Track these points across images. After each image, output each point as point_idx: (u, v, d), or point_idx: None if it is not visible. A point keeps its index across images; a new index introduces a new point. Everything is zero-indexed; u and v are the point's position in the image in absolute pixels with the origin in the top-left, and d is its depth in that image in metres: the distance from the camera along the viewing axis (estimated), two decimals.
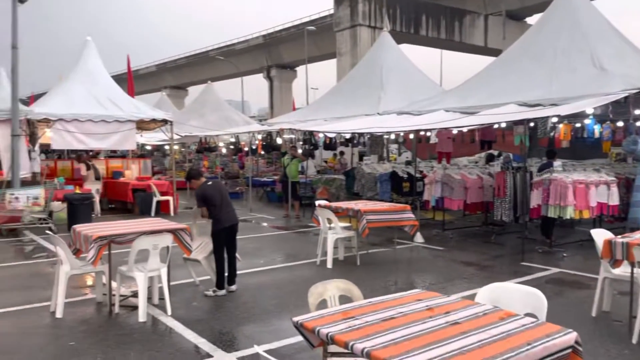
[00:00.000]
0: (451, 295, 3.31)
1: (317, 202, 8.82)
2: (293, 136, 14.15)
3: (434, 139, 11.42)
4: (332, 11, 36.89)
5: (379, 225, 7.94)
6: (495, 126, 9.85)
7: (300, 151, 14.11)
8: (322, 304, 3.34)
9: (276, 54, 49.56)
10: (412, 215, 8.10)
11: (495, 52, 27.53)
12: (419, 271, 7.72)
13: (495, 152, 14.35)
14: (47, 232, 6.72)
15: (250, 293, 6.33)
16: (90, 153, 18.12)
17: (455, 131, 10.87)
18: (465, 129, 10.36)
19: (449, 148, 12.26)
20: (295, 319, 2.77)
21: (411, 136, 11.35)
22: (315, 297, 3.37)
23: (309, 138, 14.54)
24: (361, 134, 13.97)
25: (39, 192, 10.74)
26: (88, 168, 14.06)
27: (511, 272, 7.31)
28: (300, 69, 52.36)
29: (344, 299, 3.45)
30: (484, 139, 12.03)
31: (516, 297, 3.27)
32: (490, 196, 9.87)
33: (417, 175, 11.33)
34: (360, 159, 16.72)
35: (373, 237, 9.10)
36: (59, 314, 5.34)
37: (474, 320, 2.75)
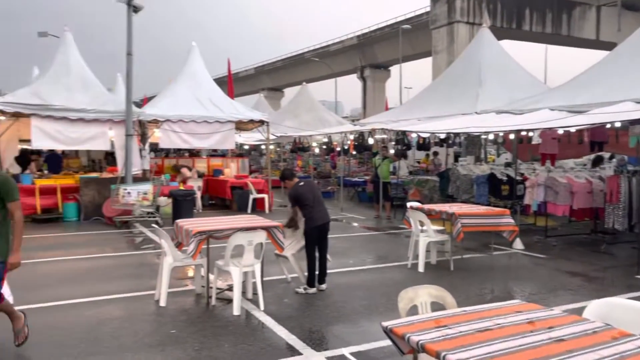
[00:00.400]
0: (554, 308, 3.06)
1: (408, 204, 8.64)
2: (385, 136, 14.00)
3: (536, 140, 10.72)
4: (428, 9, 36.06)
5: (474, 229, 7.61)
6: (608, 126, 9.03)
7: (392, 151, 13.94)
8: (413, 310, 3.24)
9: (370, 54, 49.47)
10: (511, 220, 7.67)
11: (609, 46, 25.38)
12: (518, 280, 7.28)
13: (607, 155, 13.16)
14: (154, 225, 7.22)
15: (340, 293, 6.35)
16: (193, 152, 19.28)
17: (561, 131, 10.12)
18: (573, 129, 9.61)
19: (554, 149, 11.42)
20: (385, 323, 2.71)
21: (511, 136, 10.74)
22: (405, 302, 3.28)
23: (402, 138, 14.31)
24: (457, 134, 13.50)
25: (148, 187, 11.59)
26: (189, 169, 14.95)
27: (624, 286, 6.65)
28: (394, 69, 51.88)
29: (436, 305, 3.33)
30: (595, 140, 11.06)
31: (631, 315, 2.95)
32: (600, 202, 9.08)
33: (518, 177, 10.70)
34: (456, 159, 16.16)
35: (468, 241, 8.74)
36: (162, 303, 5.71)
37: (582, 338, 2.51)
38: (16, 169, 13.53)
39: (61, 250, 9.05)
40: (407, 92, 49.84)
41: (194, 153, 19.92)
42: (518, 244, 9.00)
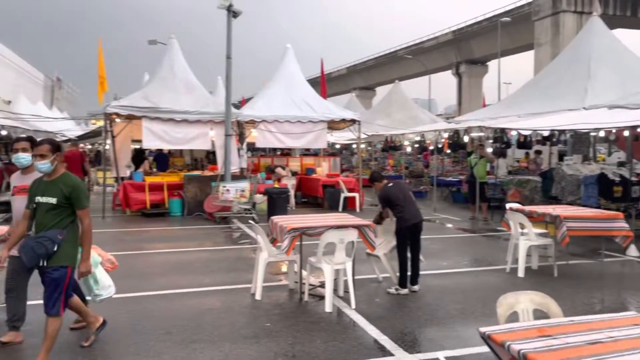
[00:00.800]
0: None
1: (507, 205, 8.21)
2: (482, 134, 13.42)
3: None
4: (529, 0, 34.08)
5: (582, 233, 7.07)
6: None
7: (489, 150, 13.33)
8: (513, 317, 3.07)
9: (466, 49, 47.78)
10: (625, 225, 7.01)
11: None
12: (633, 290, 6.64)
13: None
14: (250, 221, 7.52)
15: (433, 295, 6.19)
16: (287, 151, 19.80)
17: None
18: None
19: None
20: (483, 329, 2.59)
21: (625, 133, 9.83)
22: (505, 308, 3.11)
23: (500, 136, 13.64)
24: (562, 131, 12.60)
25: (245, 185, 12.08)
26: (283, 168, 15.38)
27: None
28: (491, 64, 49.66)
29: (538, 313, 3.12)
30: None
31: None
32: None
33: (632, 178, 9.77)
34: (560, 158, 15.11)
35: (574, 246, 8.12)
36: (257, 296, 5.92)
37: None
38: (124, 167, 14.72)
39: (167, 242, 9.71)
40: (505, 88, 47.44)
41: (287, 152, 20.46)
42: (633, 251, 8.21)
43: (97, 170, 18.99)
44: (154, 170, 15.45)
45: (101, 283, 4.79)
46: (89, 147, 27.81)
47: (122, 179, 13.75)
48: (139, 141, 13.77)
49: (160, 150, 16.84)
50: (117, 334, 4.78)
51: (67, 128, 23.27)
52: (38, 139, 4.41)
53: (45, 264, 3.96)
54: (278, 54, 16.19)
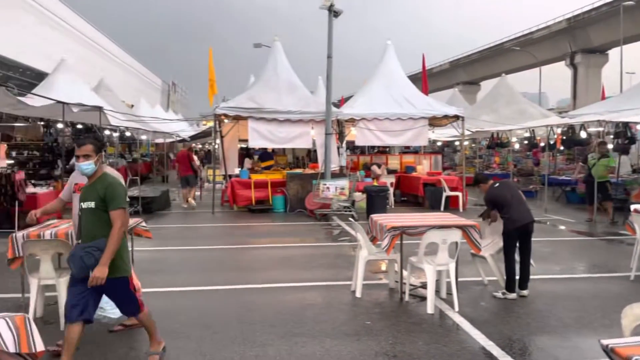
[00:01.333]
0: None
1: (632, 207, 7.45)
2: (601, 129, 12.31)
3: None
4: None
5: None
6: None
7: (610, 146, 12.19)
8: (639, 329, 2.77)
9: (582, 38, 44.13)
10: None
11: None
12: None
13: None
14: (350, 219, 7.56)
15: (544, 301, 5.79)
16: (386, 149, 19.65)
17: None
18: None
19: None
20: (605, 341, 2.36)
21: None
22: (630, 319, 2.82)
23: (623, 131, 12.43)
24: None
25: (344, 183, 12.18)
26: (379, 166, 15.28)
27: None
28: (612, 52, 45.38)
29: None
30: None
31: None
32: None
33: None
34: None
35: None
36: (358, 294, 5.94)
37: None
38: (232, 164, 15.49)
39: (271, 237, 10.08)
40: (629, 78, 43.13)
41: (386, 150, 20.30)
42: None
43: (207, 168, 20.21)
44: (260, 168, 16.12)
45: (111, 303, 4.32)
46: (200, 146, 29.73)
47: (230, 176, 14.52)
48: (246, 140, 14.45)
49: (264, 148, 17.53)
50: (225, 324, 5.05)
51: (181, 129, 25.06)
52: (81, 138, 4.13)
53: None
54: (377, 53, 16.09)
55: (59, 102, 9.75)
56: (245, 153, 16.40)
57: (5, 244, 5.22)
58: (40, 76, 18.00)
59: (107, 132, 17.81)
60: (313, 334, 4.79)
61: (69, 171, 15.00)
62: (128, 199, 4.06)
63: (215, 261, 8.08)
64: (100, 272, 3.61)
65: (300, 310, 5.49)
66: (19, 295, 5.61)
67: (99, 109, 11.69)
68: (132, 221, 5.75)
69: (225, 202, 14.40)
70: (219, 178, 16.16)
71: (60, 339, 4.58)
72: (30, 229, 5.28)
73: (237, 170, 14.84)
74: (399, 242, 5.82)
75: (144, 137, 23.02)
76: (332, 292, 6.17)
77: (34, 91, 11.92)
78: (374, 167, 15.14)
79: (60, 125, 13.86)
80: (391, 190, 14.30)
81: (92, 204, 3.77)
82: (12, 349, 2.21)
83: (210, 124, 19.64)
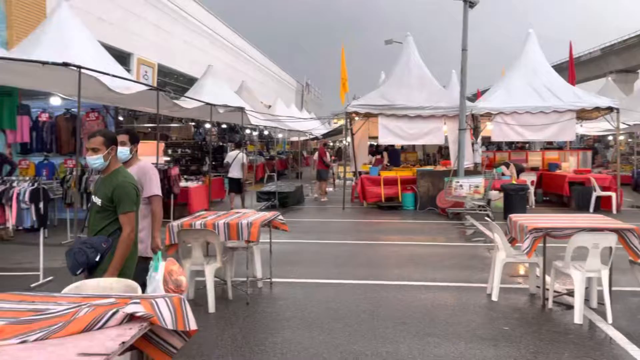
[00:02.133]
0: None
1: None
2: None
3: None
4: None
5: None
6: None
7: None
8: None
9: None
10: None
11: None
12: None
13: None
14: (487, 218, 7.19)
15: None
16: (525, 145, 18.35)
17: None
18: None
19: None
20: None
21: None
22: None
23: None
24: None
25: (479, 181, 11.64)
26: (507, 166, 14.30)
27: None
28: None
29: None
30: None
31: None
32: None
33: None
34: None
35: None
36: (494, 297, 5.63)
37: None
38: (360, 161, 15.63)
39: (400, 235, 10.00)
40: None
41: (526, 146, 18.98)
42: None
43: (339, 165, 20.68)
44: (388, 165, 16.08)
45: None
46: (331, 144, 30.52)
47: (360, 173, 14.70)
48: (376, 137, 14.51)
49: (393, 145, 17.44)
50: (357, 317, 5.12)
51: (314, 127, 25.94)
52: (93, 131, 3.94)
53: (86, 275, 3.43)
54: (517, 40, 15.08)
55: (207, 104, 10.67)
56: (375, 150, 16.48)
57: (163, 232, 5.87)
58: (190, 81, 19.88)
59: (247, 131, 19.12)
60: (446, 335, 4.64)
61: (215, 167, 16.44)
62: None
63: (346, 256, 8.24)
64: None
65: (432, 310, 5.36)
66: None
67: (241, 109, 12.56)
68: (270, 214, 6.10)
69: (355, 199, 14.60)
70: (349, 175, 16.46)
71: (208, 321, 5.03)
72: (184, 219, 5.85)
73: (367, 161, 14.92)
74: (541, 244, 5.40)
75: (280, 136, 24.30)
76: (465, 294, 5.94)
77: (186, 95, 13.19)
78: (503, 168, 14.25)
79: (207, 125, 15.18)
80: (531, 189, 13.34)
81: (99, 201, 3.54)
82: (170, 327, 2.45)
83: (341, 122, 20.07)
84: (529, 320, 5.04)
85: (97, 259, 3.38)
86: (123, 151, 4.08)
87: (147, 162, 4.33)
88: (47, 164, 10.66)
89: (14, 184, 6.59)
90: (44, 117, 10.66)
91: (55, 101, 9.46)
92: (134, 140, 4.18)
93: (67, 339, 2.09)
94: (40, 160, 10.70)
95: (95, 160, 3.54)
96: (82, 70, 5.45)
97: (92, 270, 3.42)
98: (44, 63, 5.39)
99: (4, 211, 6.17)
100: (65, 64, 5.33)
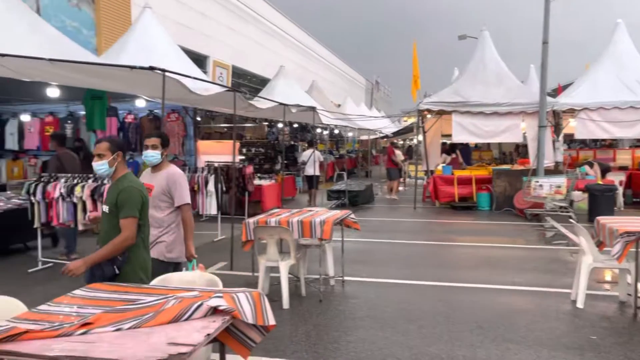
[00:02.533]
0: None
1: None
2: None
3: None
4: None
5: None
6: None
7: None
8: None
9: None
10: None
11: None
12: None
13: None
14: (571, 220, 6.80)
15: None
16: (613, 142, 17.18)
17: None
18: None
19: None
20: None
21: None
22: None
23: None
24: None
25: (561, 180, 11.00)
26: (591, 166, 13.39)
27: None
28: None
29: None
30: None
31: None
32: None
33: None
34: None
35: None
36: (579, 304, 5.32)
37: None
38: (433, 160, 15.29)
39: (476, 236, 9.68)
40: None
41: (613, 144, 17.77)
42: None
43: (409, 163, 20.37)
44: (462, 163, 15.63)
45: None
46: (401, 142, 30.14)
47: (432, 172, 14.39)
48: (449, 135, 14.14)
49: (466, 144, 16.92)
50: (431, 319, 5.01)
51: (383, 125, 25.70)
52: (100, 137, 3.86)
53: None
54: (603, 33, 14.13)
55: (281, 104, 10.87)
56: (449, 148, 16.07)
57: (239, 228, 6.06)
58: (263, 82, 20.34)
59: (318, 130, 19.30)
60: (527, 342, 4.44)
61: (287, 165, 16.74)
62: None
63: (419, 256, 8.09)
64: (74, 266, 3.23)
65: (511, 314, 5.15)
66: (250, 273, 6.45)
67: (313, 109, 12.69)
68: (342, 213, 6.12)
69: (427, 198, 14.32)
70: (420, 174, 16.17)
71: (282, 316, 5.13)
72: (260, 216, 6.01)
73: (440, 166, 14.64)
74: (633, 249, 5.03)
75: (350, 135, 24.30)
76: (547, 300, 5.65)
77: (259, 95, 13.52)
78: (586, 167, 13.37)
79: (280, 125, 15.46)
80: (620, 189, 12.46)
81: (106, 208, 3.49)
82: (250, 321, 2.52)
83: (411, 119, 19.74)
84: (619, 330, 4.71)
85: (117, 272, 3.37)
86: (155, 154, 4.09)
87: (176, 168, 4.26)
88: (132, 162, 11.32)
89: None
90: (129, 118, 11.35)
91: (140, 103, 10.02)
92: (165, 144, 4.16)
93: (155, 328, 2.21)
94: (126, 159, 11.38)
95: (100, 166, 3.48)
96: (166, 74, 5.72)
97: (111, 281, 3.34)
98: (132, 67, 5.70)
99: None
100: (151, 68, 5.61)
